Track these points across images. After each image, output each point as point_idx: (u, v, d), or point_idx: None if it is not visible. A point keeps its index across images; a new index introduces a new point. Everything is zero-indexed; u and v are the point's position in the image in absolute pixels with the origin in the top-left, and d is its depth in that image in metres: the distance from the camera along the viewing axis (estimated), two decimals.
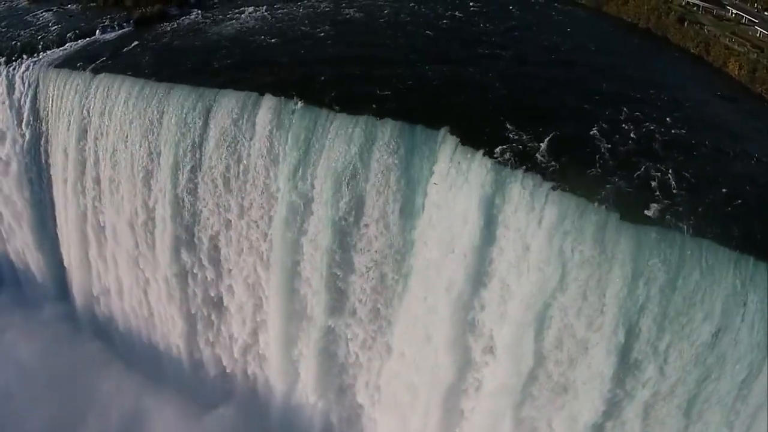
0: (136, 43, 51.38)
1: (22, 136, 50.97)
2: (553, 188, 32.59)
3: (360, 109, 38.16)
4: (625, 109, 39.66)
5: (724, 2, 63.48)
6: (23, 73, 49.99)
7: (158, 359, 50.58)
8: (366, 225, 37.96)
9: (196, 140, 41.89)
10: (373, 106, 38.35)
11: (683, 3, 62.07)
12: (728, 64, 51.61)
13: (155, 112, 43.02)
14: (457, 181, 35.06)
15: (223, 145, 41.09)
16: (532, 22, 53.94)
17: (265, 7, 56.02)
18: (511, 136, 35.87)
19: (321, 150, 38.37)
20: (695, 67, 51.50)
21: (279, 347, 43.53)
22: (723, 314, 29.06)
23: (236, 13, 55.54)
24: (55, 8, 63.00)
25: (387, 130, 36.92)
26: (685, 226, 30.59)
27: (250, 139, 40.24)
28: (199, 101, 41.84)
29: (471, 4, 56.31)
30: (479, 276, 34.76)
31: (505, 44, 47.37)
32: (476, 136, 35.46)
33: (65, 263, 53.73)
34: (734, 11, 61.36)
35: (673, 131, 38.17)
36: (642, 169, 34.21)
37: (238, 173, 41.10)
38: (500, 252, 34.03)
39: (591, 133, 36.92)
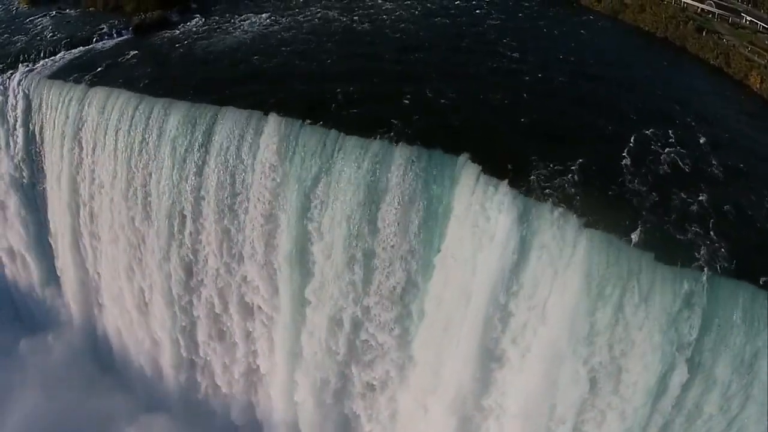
0: (133, 53, 47.10)
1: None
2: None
3: (373, 131, 34.16)
4: (651, 129, 36.02)
5: (739, 9, 59.56)
6: (16, 85, 45.83)
7: None
8: None
9: None
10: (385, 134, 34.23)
11: (698, 10, 58.07)
12: (749, 77, 47.93)
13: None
14: None
15: None
16: (549, 32, 49.84)
17: (269, 15, 51.61)
18: (536, 175, 31.63)
19: None
20: (716, 80, 47.73)
21: None
22: None
23: (239, 20, 51.18)
24: (53, 12, 58.70)
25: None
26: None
27: None
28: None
29: (483, 13, 52.04)
30: None
31: (524, 57, 43.29)
32: (498, 171, 31.56)
33: None
34: (749, 18, 57.55)
35: (701, 156, 34.61)
36: (675, 205, 30.66)
37: None
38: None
39: (620, 160, 33.26)
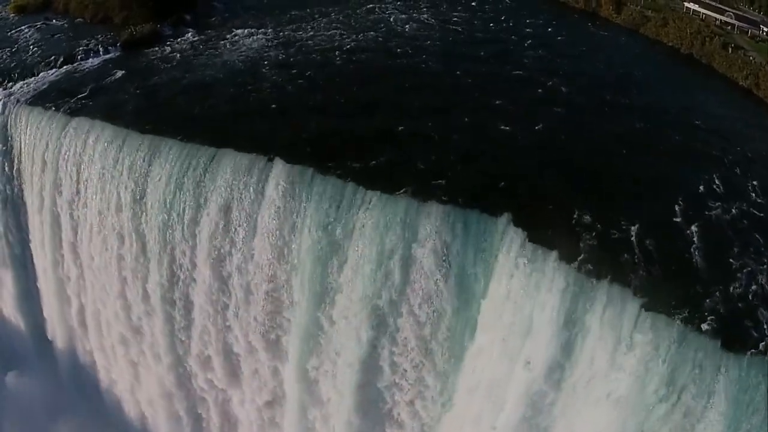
0: (121, 74, 39.47)
1: None
2: None
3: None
4: (701, 174, 29.88)
5: (757, 20, 52.60)
6: None
7: None
8: None
9: None
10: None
11: (717, 22, 50.98)
12: None
13: None
14: None
15: None
16: (573, 50, 43.16)
17: (269, 30, 43.84)
18: (586, 241, 24.97)
19: None
20: (748, 104, 41.55)
21: None
22: None
23: (236, 36, 43.46)
24: (39, 23, 50.48)
25: None
26: None
27: None
28: None
29: (499, 27, 44.71)
30: None
31: (552, 83, 36.59)
32: (545, 236, 24.73)
33: None
34: (766, 30, 50.68)
35: (756, 210, 28.30)
36: (740, 278, 24.37)
37: None
38: None
39: (674, 219, 26.86)
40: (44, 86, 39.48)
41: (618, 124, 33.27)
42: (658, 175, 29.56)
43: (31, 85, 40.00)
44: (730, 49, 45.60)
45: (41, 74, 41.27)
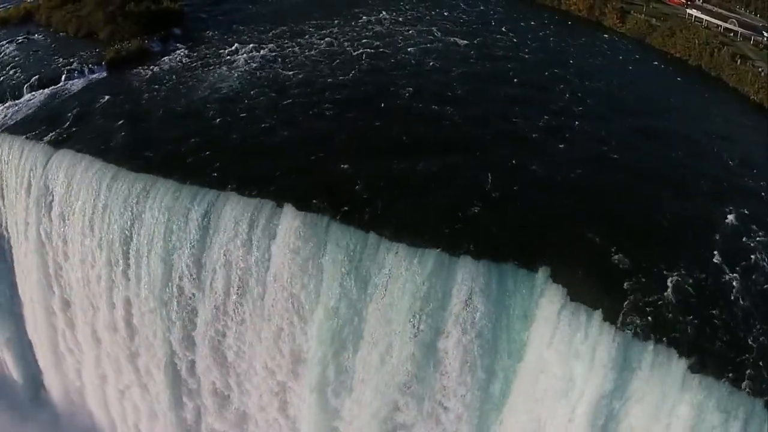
0: (107, 98, 35.53)
1: None
2: None
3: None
4: (733, 212, 27.14)
5: (758, 25, 49.54)
6: None
7: None
8: None
9: None
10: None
11: (721, 29, 47.83)
12: None
13: None
14: None
15: None
16: (586, 67, 40.42)
17: (263, 46, 40.03)
18: (629, 297, 21.91)
19: None
20: (763, 121, 37.77)
21: None
22: None
23: (229, 53, 39.63)
24: (21, 37, 45.99)
25: None
26: None
27: None
28: None
29: (508, 40, 41.57)
30: None
31: (569, 108, 34.05)
32: (586, 293, 21.56)
33: None
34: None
35: None
36: None
37: None
38: None
39: (713, 264, 24.13)
40: (27, 111, 35.69)
41: (645, 156, 30.54)
42: (692, 215, 26.95)
43: (13, 110, 36.09)
44: (738, 60, 42.56)
45: (23, 97, 37.38)
